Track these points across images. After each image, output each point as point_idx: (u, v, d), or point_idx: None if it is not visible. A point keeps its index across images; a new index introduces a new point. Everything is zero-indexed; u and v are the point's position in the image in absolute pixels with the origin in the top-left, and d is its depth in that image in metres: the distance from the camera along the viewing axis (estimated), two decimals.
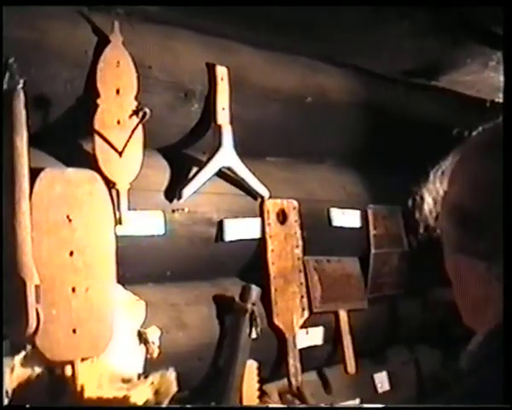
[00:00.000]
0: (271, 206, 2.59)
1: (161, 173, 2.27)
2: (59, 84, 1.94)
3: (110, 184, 2.01)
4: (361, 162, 3.05)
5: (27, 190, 1.77)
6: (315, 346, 2.73)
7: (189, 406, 2.23)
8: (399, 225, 3.17)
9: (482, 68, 2.83)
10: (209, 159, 2.33)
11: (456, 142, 1.02)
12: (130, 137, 2.05)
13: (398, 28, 2.38)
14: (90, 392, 1.92)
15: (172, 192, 2.25)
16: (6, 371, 1.81)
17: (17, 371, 1.83)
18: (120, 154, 2.04)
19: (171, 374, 2.15)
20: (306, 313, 2.67)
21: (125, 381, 2.04)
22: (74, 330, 1.89)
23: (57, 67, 1.92)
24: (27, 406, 1.81)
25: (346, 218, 2.90)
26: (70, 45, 1.95)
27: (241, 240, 2.46)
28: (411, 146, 3.11)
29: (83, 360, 1.92)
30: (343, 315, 2.85)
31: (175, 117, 2.26)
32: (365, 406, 2.38)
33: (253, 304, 2.39)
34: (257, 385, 2.45)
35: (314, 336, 2.73)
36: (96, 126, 1.99)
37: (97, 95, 1.99)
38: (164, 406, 2.12)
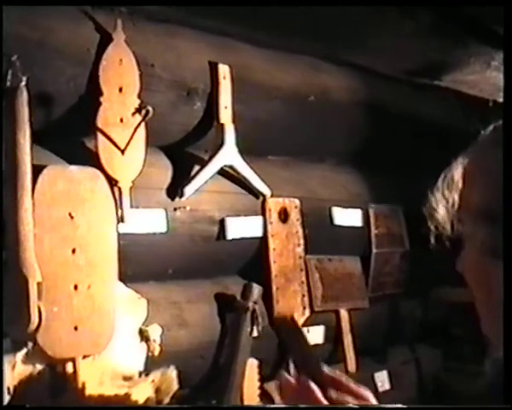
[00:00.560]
0: (273, 204, 2.60)
1: (163, 171, 2.27)
2: (62, 81, 1.94)
3: (112, 182, 2.02)
4: (363, 161, 3.05)
5: (30, 187, 1.77)
6: (316, 345, 2.73)
7: (188, 406, 2.23)
8: (401, 225, 3.17)
9: (485, 68, 2.84)
10: (211, 157, 2.33)
11: (463, 143, 1.01)
12: (132, 135, 2.05)
13: (401, 28, 2.38)
14: (92, 389, 1.92)
15: (174, 190, 2.25)
16: (7, 368, 1.81)
17: (18, 369, 1.84)
18: (123, 152, 2.04)
19: (173, 372, 2.15)
20: (307, 312, 2.68)
21: (126, 379, 2.05)
22: (76, 328, 1.90)
23: (60, 65, 1.92)
24: (27, 406, 1.81)
25: (347, 217, 2.90)
26: (73, 43, 1.95)
27: (243, 238, 2.47)
28: (413, 146, 3.12)
29: (84, 357, 1.92)
30: (344, 314, 2.85)
31: (177, 115, 2.27)
32: (369, 405, 2.38)
33: (255, 302, 2.40)
34: (258, 384, 2.45)
35: (315, 335, 2.73)
36: (99, 124, 2.00)
37: (100, 93, 2.00)
38: (164, 405, 2.12)
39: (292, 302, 2.62)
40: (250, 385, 2.40)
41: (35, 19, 1.86)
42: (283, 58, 2.60)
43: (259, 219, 2.55)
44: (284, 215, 2.63)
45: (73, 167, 1.94)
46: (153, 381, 2.09)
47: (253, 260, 2.56)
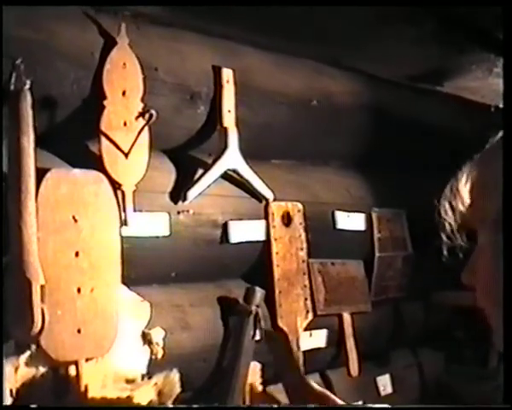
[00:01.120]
0: (276, 208, 2.60)
1: (167, 175, 2.28)
2: (66, 85, 1.95)
3: (116, 186, 2.02)
4: (366, 165, 3.05)
5: (33, 191, 1.78)
6: (318, 348, 2.73)
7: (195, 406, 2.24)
8: (403, 229, 3.17)
9: (487, 75, 2.84)
10: (214, 161, 2.33)
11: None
12: (136, 138, 2.06)
13: (404, 34, 2.39)
14: (94, 392, 1.92)
15: (178, 194, 2.26)
16: (11, 370, 1.81)
17: (22, 371, 1.84)
18: (126, 155, 2.05)
19: (175, 375, 2.15)
20: (310, 316, 2.68)
21: (129, 381, 2.05)
22: (79, 331, 1.90)
23: (64, 69, 1.93)
24: (32, 406, 1.81)
25: (350, 221, 2.90)
26: (77, 47, 1.96)
27: (246, 242, 2.47)
28: (416, 150, 3.12)
29: (87, 360, 1.93)
30: (347, 318, 2.85)
31: (181, 119, 2.27)
32: (368, 406, 2.38)
33: (257, 306, 2.40)
34: (260, 387, 2.45)
35: (318, 339, 2.73)
36: (103, 128, 2.00)
37: (104, 96, 2.00)
38: (167, 406, 2.12)
39: (294, 306, 2.62)
40: (253, 389, 2.40)
41: (39, 22, 1.87)
42: (287, 62, 2.60)
43: (262, 222, 2.55)
44: (287, 219, 2.64)
45: (77, 171, 1.95)
46: (155, 384, 2.09)
47: (255, 264, 2.56)
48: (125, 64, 2.05)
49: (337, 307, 2.82)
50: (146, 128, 2.07)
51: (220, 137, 2.34)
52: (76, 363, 1.90)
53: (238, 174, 2.42)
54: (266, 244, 2.56)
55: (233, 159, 2.36)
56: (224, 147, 2.33)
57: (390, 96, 3.01)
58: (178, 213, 2.26)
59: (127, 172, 2.05)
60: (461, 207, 0.99)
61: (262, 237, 2.55)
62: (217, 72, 2.33)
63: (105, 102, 2.00)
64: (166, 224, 2.21)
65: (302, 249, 2.68)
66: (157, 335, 2.14)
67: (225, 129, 2.33)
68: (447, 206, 1.02)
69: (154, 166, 2.14)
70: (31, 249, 1.76)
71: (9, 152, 1.77)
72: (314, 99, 2.66)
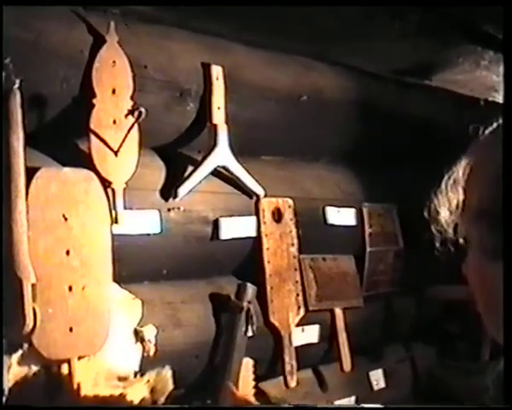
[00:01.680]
0: (267, 204, 2.60)
1: (157, 172, 2.28)
2: (55, 83, 1.94)
3: (106, 184, 2.02)
4: (356, 160, 3.05)
5: (24, 190, 1.78)
6: (311, 344, 2.74)
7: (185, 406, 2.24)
8: (394, 223, 3.18)
9: (474, 68, 2.85)
10: (204, 158, 2.33)
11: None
12: (125, 136, 2.06)
13: (391, 28, 2.39)
14: (87, 390, 1.93)
15: (168, 191, 2.26)
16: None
17: (14, 370, 1.84)
18: (116, 153, 2.05)
19: (168, 372, 2.16)
20: (302, 311, 2.68)
21: (122, 379, 2.05)
22: (71, 329, 1.90)
23: (53, 67, 1.93)
24: (25, 405, 1.82)
25: (341, 216, 2.90)
26: (66, 45, 1.96)
27: (237, 238, 2.47)
28: (405, 144, 3.13)
29: (79, 358, 1.93)
30: (339, 313, 2.86)
31: (170, 116, 2.27)
32: (366, 406, 2.38)
33: (249, 302, 2.40)
34: (253, 383, 2.46)
35: (310, 334, 2.74)
36: (92, 126, 2.00)
37: (93, 94, 2.00)
38: (161, 405, 2.13)
39: (286, 302, 2.63)
40: (245, 385, 2.40)
41: (28, 21, 1.87)
42: (276, 58, 2.60)
43: (253, 219, 2.55)
44: (278, 215, 2.64)
45: (67, 169, 1.95)
46: (148, 381, 2.10)
47: (247, 260, 2.56)
48: (114, 62, 2.04)
49: (329, 302, 2.83)
50: (136, 126, 2.07)
51: (210, 134, 2.35)
52: (68, 361, 1.90)
53: (228, 171, 2.42)
54: (257, 240, 2.57)
55: (223, 155, 2.36)
56: (214, 144, 2.33)
57: (379, 90, 3.02)
58: (169, 210, 2.26)
59: (117, 170, 2.05)
60: (454, 199, 1.00)
61: (253, 234, 2.55)
62: (206, 69, 2.33)
63: (94, 101, 2.00)
64: (157, 221, 2.21)
65: (293, 245, 2.69)
66: (149, 332, 2.15)
67: (215, 126, 2.34)
68: (442, 198, 1.02)
69: (144, 163, 2.14)
70: (21, 248, 1.76)
71: None
72: (303, 95, 2.66)
